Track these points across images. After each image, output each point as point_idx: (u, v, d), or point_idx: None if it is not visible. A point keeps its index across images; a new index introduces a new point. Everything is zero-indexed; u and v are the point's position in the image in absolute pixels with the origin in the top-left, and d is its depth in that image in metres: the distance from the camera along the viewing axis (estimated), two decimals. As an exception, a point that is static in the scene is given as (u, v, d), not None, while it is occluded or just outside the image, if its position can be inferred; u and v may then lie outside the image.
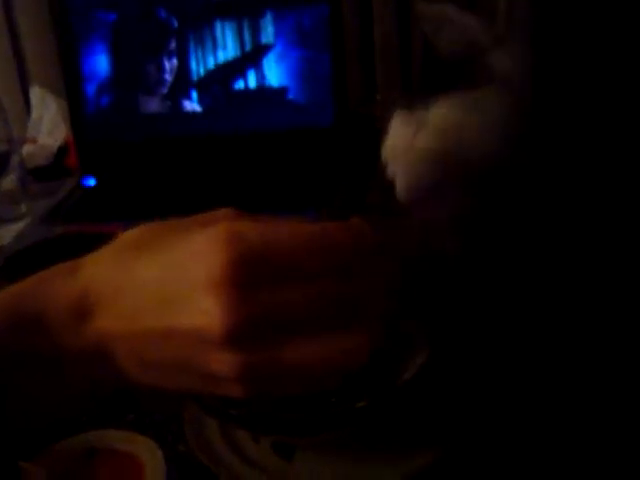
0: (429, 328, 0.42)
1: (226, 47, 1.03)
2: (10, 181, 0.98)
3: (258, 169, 1.03)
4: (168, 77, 1.05)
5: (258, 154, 1.05)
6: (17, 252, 0.79)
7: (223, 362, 0.32)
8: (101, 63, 1.05)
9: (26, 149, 1.09)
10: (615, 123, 0.40)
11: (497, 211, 0.41)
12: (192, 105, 1.06)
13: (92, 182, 1.04)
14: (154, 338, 0.33)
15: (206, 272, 0.31)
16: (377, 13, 1.11)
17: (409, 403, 0.48)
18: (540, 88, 0.40)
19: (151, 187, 1.03)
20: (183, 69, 1.04)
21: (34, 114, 1.14)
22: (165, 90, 1.05)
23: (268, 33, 1.01)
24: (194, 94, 1.05)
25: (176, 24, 1.03)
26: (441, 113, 0.41)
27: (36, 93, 1.14)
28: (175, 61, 1.04)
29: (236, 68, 1.03)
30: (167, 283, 0.33)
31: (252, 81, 1.04)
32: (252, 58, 1.03)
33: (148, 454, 0.50)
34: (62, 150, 1.10)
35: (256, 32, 1.02)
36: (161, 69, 1.05)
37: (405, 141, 0.42)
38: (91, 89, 1.06)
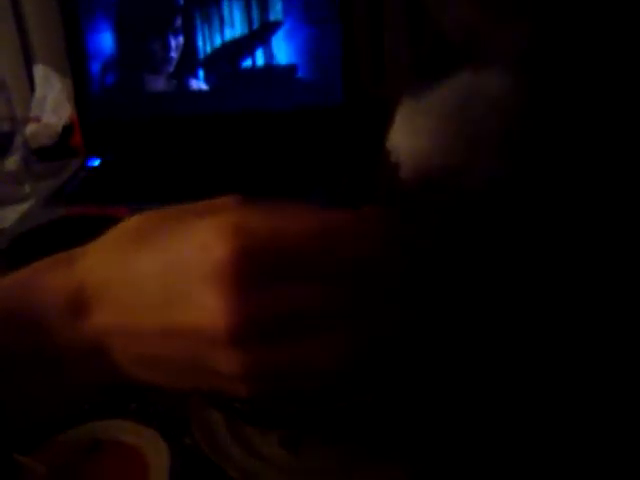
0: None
1: (234, 24, 1.00)
2: (14, 161, 0.96)
3: (266, 149, 1.01)
4: (174, 55, 1.03)
5: (266, 133, 1.03)
6: (20, 235, 0.78)
7: (227, 361, 0.30)
8: (106, 41, 1.03)
9: (30, 128, 1.07)
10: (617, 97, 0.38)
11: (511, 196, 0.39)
12: (198, 84, 1.03)
13: (96, 162, 1.03)
14: (154, 336, 0.31)
15: (208, 266, 0.29)
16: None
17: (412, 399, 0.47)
18: (542, 68, 0.38)
19: (156, 167, 1.01)
20: (189, 47, 1.02)
21: (38, 92, 1.12)
22: (171, 68, 1.03)
23: (277, 10, 0.99)
24: (201, 73, 1.03)
25: (182, 1, 1.01)
26: (444, 96, 0.39)
27: (40, 71, 1.12)
28: (181, 39, 1.02)
29: (244, 46, 1.01)
30: (168, 278, 0.31)
31: (260, 59, 1.01)
32: (260, 36, 1.00)
33: (152, 447, 0.49)
34: (67, 129, 1.08)
35: (264, 9, 0.99)
36: (167, 47, 1.02)
37: (409, 125, 0.40)
38: (96, 67, 1.04)
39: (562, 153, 0.39)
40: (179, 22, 1.02)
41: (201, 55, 1.02)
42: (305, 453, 0.48)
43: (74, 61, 1.03)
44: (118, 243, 0.33)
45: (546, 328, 0.41)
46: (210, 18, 1.01)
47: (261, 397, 0.34)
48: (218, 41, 1.01)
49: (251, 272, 0.29)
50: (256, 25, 1.00)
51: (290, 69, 1.01)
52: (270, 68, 1.01)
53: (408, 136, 0.41)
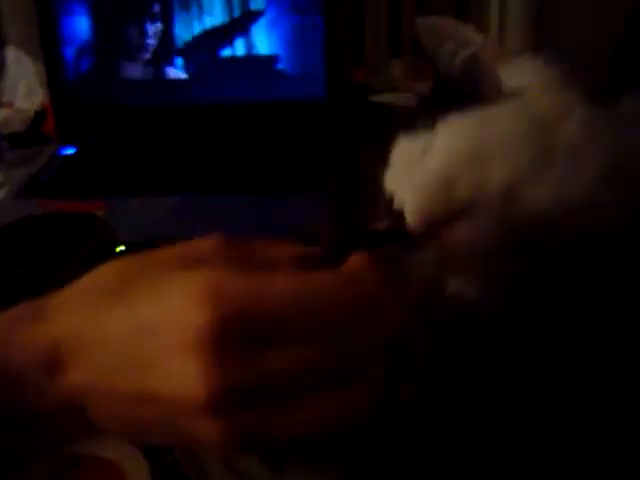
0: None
1: (213, 12, 0.98)
2: (-15, 148, 0.94)
3: (245, 140, 0.99)
4: (152, 42, 1.00)
5: (245, 124, 1.01)
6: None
7: (207, 429, 0.29)
8: (81, 24, 1.00)
9: (1, 113, 1.04)
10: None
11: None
12: (176, 72, 1.01)
13: (70, 151, 1.00)
14: (130, 399, 0.31)
15: (186, 334, 0.29)
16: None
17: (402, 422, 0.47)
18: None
19: (132, 157, 0.98)
20: (167, 34, 1.00)
21: (9, 76, 1.08)
22: (148, 55, 1.01)
23: (258, -1, 0.97)
24: (179, 61, 1.01)
25: (161, -14, 0.98)
26: (449, 134, 0.38)
27: (11, 53, 1.09)
28: (159, 25, 1.00)
29: (224, 35, 0.99)
30: (142, 342, 0.30)
31: (240, 49, 0.99)
32: (241, 24, 0.98)
33: (133, 464, 0.48)
34: (39, 115, 1.05)
35: (246, -3, 0.97)
36: (144, 33, 1.00)
37: (411, 167, 0.39)
38: (70, 52, 1.01)
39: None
40: (157, 8, 0.99)
41: (180, 43, 1.00)
42: (289, 471, 0.48)
43: (47, 45, 1.00)
44: (93, 297, 0.32)
45: (546, 328, 0.40)
46: (189, 5, 0.98)
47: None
48: (197, 29, 0.99)
49: (230, 339, 0.29)
50: (237, 13, 0.98)
51: (271, 60, 0.99)
52: (250, 58, 1.00)
53: (411, 177, 0.40)
